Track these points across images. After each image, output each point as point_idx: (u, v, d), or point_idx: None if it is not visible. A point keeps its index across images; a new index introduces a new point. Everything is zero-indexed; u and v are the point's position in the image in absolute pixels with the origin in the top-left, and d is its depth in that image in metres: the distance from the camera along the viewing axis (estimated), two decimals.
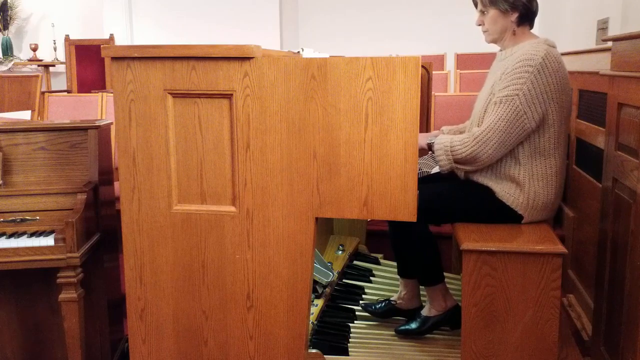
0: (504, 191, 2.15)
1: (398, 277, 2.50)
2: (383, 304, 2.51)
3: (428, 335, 2.38)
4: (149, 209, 1.74)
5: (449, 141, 2.14)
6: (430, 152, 2.26)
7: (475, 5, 2.26)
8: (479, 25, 2.24)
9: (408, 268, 2.43)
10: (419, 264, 2.33)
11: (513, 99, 2.04)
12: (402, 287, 2.48)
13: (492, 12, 2.16)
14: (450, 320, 2.35)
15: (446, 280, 2.78)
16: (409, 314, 2.44)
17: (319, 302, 2.45)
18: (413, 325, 2.36)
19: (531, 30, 2.22)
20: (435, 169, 2.86)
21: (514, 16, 2.14)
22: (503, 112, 2.05)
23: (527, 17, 2.16)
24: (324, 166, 1.65)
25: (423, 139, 2.24)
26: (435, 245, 2.31)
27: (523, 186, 2.13)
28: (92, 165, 2.15)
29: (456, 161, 2.14)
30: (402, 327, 2.38)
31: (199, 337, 1.79)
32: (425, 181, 2.46)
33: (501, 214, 2.17)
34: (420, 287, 2.45)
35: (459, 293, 2.61)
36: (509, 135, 2.06)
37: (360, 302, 2.61)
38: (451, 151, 2.12)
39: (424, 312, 2.37)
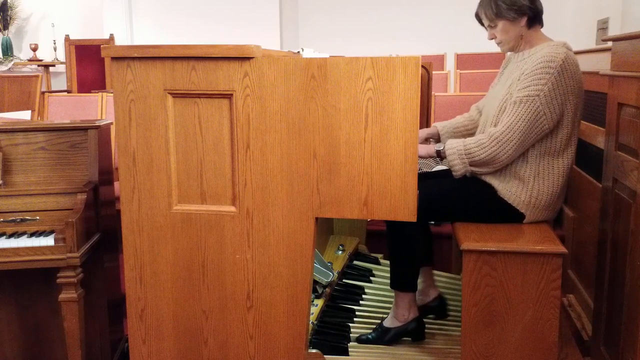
0: (507, 189, 2.15)
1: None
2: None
3: (428, 335, 2.38)
4: (149, 209, 1.74)
5: (462, 144, 2.12)
6: (439, 158, 2.24)
7: (480, 22, 2.26)
8: (491, 39, 2.23)
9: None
10: (401, 264, 2.29)
11: (534, 99, 2.03)
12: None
13: (502, 24, 2.16)
14: (412, 331, 2.34)
15: (446, 280, 2.80)
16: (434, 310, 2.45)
17: (319, 302, 2.45)
18: (371, 337, 2.34)
19: (542, 30, 2.22)
20: (436, 169, 2.86)
21: (523, 21, 2.14)
22: (523, 112, 2.04)
23: (535, 18, 2.16)
24: (324, 166, 1.65)
25: (430, 148, 2.23)
26: (420, 253, 2.30)
27: (527, 184, 2.13)
28: (92, 165, 2.15)
29: (472, 164, 2.12)
30: (363, 337, 2.36)
31: (199, 337, 1.79)
32: (425, 177, 2.45)
33: (503, 213, 2.16)
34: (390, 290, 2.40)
35: (459, 293, 2.61)
36: (528, 136, 2.06)
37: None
38: (466, 154, 2.10)
39: (386, 323, 2.35)
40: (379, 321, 2.41)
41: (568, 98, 2.06)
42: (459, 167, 2.14)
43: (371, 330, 2.38)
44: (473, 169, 2.14)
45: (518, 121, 2.05)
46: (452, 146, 2.14)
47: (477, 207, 2.18)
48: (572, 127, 2.12)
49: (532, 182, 2.13)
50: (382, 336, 2.33)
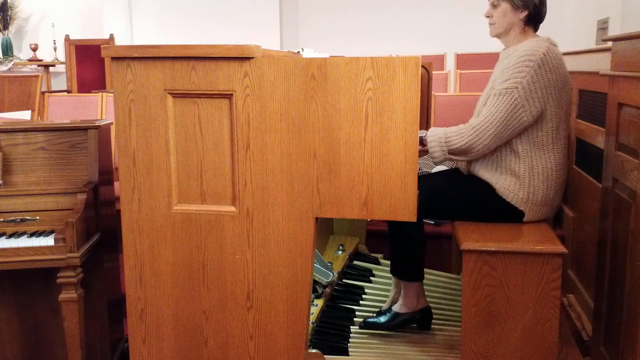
0: (504, 187, 2.16)
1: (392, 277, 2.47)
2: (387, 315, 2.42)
3: (428, 335, 2.38)
4: (149, 209, 1.74)
5: (443, 132, 2.15)
6: (420, 145, 2.24)
7: None
8: (488, 17, 2.27)
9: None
10: (406, 256, 2.32)
11: (512, 91, 2.07)
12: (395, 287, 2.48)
13: (504, 6, 2.19)
14: (420, 320, 2.38)
15: (446, 280, 2.80)
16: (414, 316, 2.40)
17: (319, 302, 2.45)
18: (382, 319, 2.38)
19: (538, 33, 2.24)
20: (436, 169, 2.86)
21: (523, 14, 2.18)
22: (502, 104, 2.08)
23: (535, 18, 2.20)
24: (324, 166, 1.65)
25: None
26: (424, 243, 2.32)
27: (523, 180, 2.14)
28: (92, 165, 2.15)
29: (451, 152, 2.15)
30: (371, 320, 2.39)
31: (199, 337, 1.79)
32: (425, 177, 2.46)
33: (502, 213, 2.17)
34: (398, 281, 2.42)
35: (459, 293, 2.61)
36: (505, 127, 2.09)
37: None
38: (445, 142, 2.14)
39: (395, 308, 2.39)
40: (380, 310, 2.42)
41: (550, 92, 2.09)
42: (438, 154, 2.17)
43: (375, 314, 2.40)
44: (451, 156, 2.17)
45: (496, 112, 2.08)
46: (434, 134, 2.17)
47: (476, 207, 2.19)
48: (557, 121, 2.14)
49: (527, 177, 2.15)
50: (391, 321, 2.36)
